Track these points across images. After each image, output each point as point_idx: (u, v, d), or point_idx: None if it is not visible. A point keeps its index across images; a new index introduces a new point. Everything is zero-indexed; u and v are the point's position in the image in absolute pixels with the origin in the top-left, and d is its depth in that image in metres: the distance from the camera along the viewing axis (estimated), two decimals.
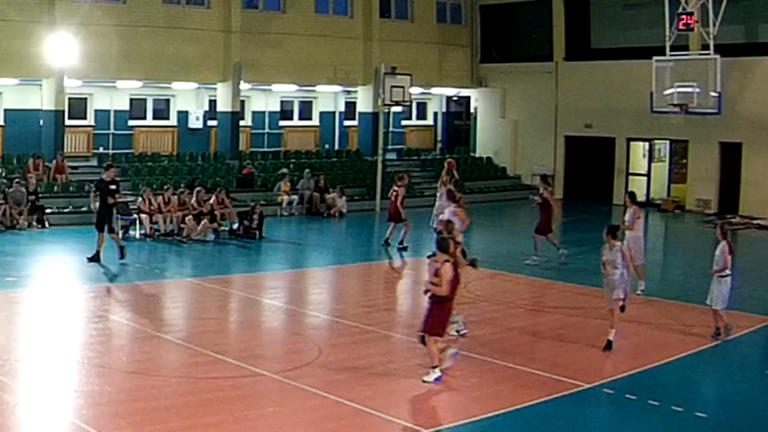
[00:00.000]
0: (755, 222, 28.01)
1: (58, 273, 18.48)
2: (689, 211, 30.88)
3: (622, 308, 13.15)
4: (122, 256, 18.81)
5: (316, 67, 31.90)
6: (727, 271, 13.57)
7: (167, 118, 31.59)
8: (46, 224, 23.47)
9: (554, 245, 19.93)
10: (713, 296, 13.61)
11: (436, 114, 39.65)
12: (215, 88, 30.79)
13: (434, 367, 10.99)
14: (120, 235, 22.13)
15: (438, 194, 20.84)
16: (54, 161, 26.00)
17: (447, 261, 10.96)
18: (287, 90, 33.50)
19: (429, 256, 16.93)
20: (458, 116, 39.93)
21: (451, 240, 11.49)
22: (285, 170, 30.17)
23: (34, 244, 21.38)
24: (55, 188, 25.38)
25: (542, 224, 19.71)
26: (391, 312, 15.95)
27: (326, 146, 35.07)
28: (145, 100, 31.05)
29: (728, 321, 13.76)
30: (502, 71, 36.25)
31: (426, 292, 11.20)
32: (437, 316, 11.08)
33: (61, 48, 25.92)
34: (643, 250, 16.87)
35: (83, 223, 24.20)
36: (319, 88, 33.92)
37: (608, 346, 12.75)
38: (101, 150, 29.55)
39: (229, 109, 30.39)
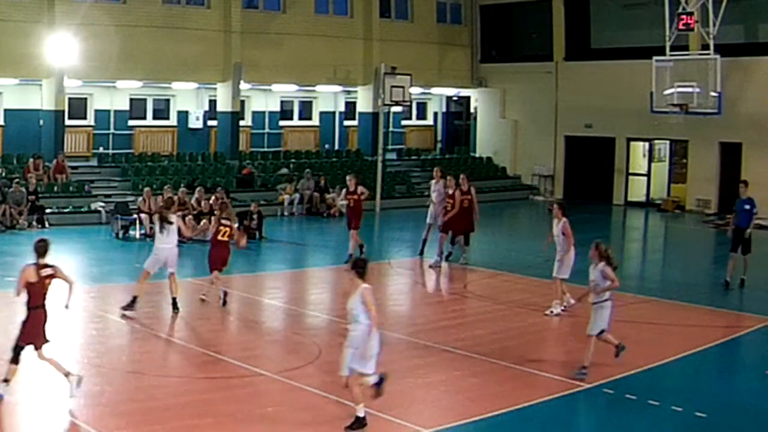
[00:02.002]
0: (755, 222, 27.96)
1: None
2: (689, 211, 30.87)
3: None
4: None
5: (316, 67, 31.90)
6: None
7: (167, 118, 31.60)
8: (46, 224, 23.47)
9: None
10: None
11: (436, 114, 39.66)
12: (215, 88, 30.79)
13: None
14: (120, 236, 22.22)
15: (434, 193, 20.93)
16: (54, 161, 26.00)
17: None
18: (287, 90, 33.51)
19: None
20: (458, 116, 39.94)
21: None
22: (285, 170, 30.19)
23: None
24: (55, 188, 25.38)
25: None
26: (391, 312, 15.95)
27: (326, 146, 35.07)
28: (145, 100, 31.06)
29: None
30: (502, 71, 36.25)
31: None
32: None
33: (61, 48, 25.92)
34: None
35: (83, 223, 24.28)
36: (319, 88, 33.92)
37: (581, 373, 11.23)
38: (101, 150, 29.57)
39: (229, 109, 30.39)
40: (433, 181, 21.37)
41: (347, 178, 20.73)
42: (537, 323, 14.83)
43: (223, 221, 15.33)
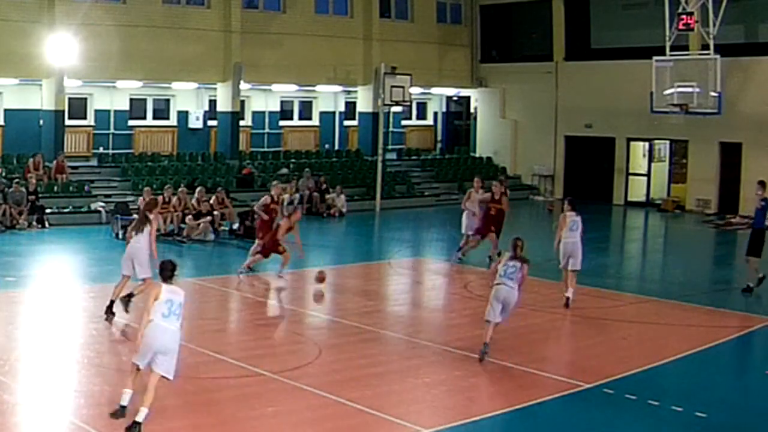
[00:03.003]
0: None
1: (58, 273, 18.48)
2: (689, 211, 30.87)
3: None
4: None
5: (316, 67, 31.90)
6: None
7: (167, 118, 31.59)
8: (46, 224, 23.46)
9: None
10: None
11: (436, 114, 39.65)
12: (215, 88, 30.79)
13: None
14: (120, 236, 22.20)
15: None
16: (54, 161, 26.01)
17: None
18: (287, 90, 33.50)
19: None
20: (458, 116, 39.93)
21: None
22: (285, 170, 30.19)
23: (34, 244, 21.37)
24: (55, 188, 25.38)
25: None
26: (391, 312, 15.96)
27: (326, 146, 35.07)
28: (145, 100, 31.05)
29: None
30: (502, 71, 36.25)
31: None
32: None
33: (61, 48, 25.92)
34: None
35: (83, 223, 24.28)
36: (319, 88, 33.92)
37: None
38: (101, 150, 29.56)
39: (229, 109, 30.39)
40: (472, 190, 20.40)
41: (494, 184, 19.99)
42: (537, 323, 14.83)
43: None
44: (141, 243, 13.60)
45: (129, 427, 8.97)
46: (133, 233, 13.76)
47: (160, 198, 21.80)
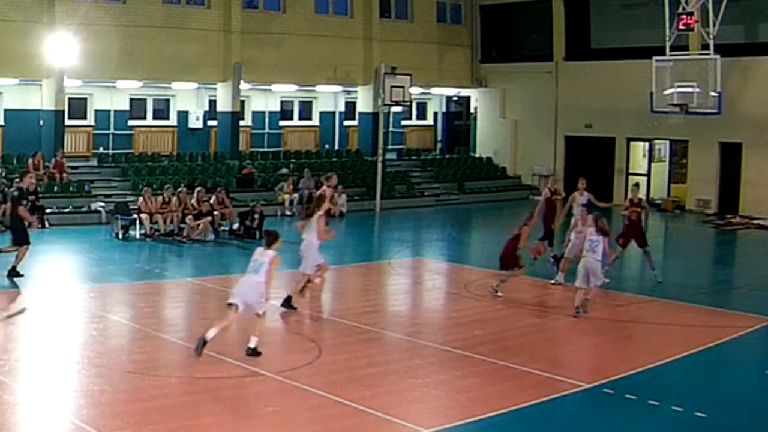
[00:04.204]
0: (755, 222, 28.02)
1: (58, 273, 18.48)
2: (689, 211, 30.88)
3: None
4: None
5: (316, 67, 31.91)
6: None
7: (167, 118, 31.61)
8: (46, 224, 23.46)
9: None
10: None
11: (436, 114, 39.67)
12: (215, 88, 30.80)
13: None
14: (120, 236, 22.22)
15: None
16: (53, 159, 26.02)
17: None
18: (287, 90, 33.51)
19: None
20: (458, 116, 39.94)
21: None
22: (285, 170, 30.19)
23: (34, 244, 21.29)
24: (55, 188, 25.38)
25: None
26: (392, 312, 15.96)
27: (326, 146, 35.08)
28: (145, 100, 31.06)
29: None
30: (502, 71, 36.26)
31: None
32: None
33: (61, 48, 25.93)
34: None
35: (83, 223, 24.29)
36: (319, 88, 33.93)
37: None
38: (101, 150, 29.57)
39: (229, 109, 30.40)
40: (577, 193, 19.50)
41: (632, 187, 19.79)
42: (537, 323, 14.84)
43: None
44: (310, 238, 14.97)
45: (252, 350, 11.77)
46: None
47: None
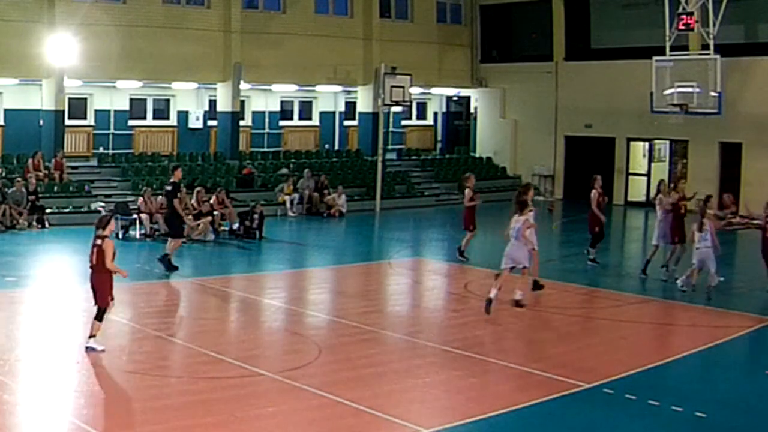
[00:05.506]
0: (755, 222, 27.97)
1: (58, 273, 18.48)
2: (690, 211, 30.78)
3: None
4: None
5: (316, 67, 31.90)
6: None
7: (167, 118, 31.62)
8: (46, 224, 23.48)
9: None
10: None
11: (436, 114, 39.67)
12: (215, 88, 30.80)
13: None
14: (120, 236, 22.20)
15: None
16: (53, 159, 26.03)
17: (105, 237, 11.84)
18: (287, 90, 33.52)
19: None
20: (458, 116, 39.94)
21: None
22: (285, 170, 30.19)
23: (34, 244, 21.38)
24: (55, 188, 25.38)
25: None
26: (391, 312, 15.96)
27: (326, 146, 35.08)
28: (145, 100, 31.08)
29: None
30: (502, 71, 36.25)
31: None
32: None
33: (61, 48, 25.93)
34: None
35: (83, 223, 24.26)
36: (319, 88, 33.93)
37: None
38: (101, 150, 29.57)
39: (229, 109, 30.40)
40: (661, 195, 19.02)
41: (725, 196, 19.70)
42: (537, 323, 14.84)
43: None
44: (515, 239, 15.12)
45: (517, 302, 14.86)
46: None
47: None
